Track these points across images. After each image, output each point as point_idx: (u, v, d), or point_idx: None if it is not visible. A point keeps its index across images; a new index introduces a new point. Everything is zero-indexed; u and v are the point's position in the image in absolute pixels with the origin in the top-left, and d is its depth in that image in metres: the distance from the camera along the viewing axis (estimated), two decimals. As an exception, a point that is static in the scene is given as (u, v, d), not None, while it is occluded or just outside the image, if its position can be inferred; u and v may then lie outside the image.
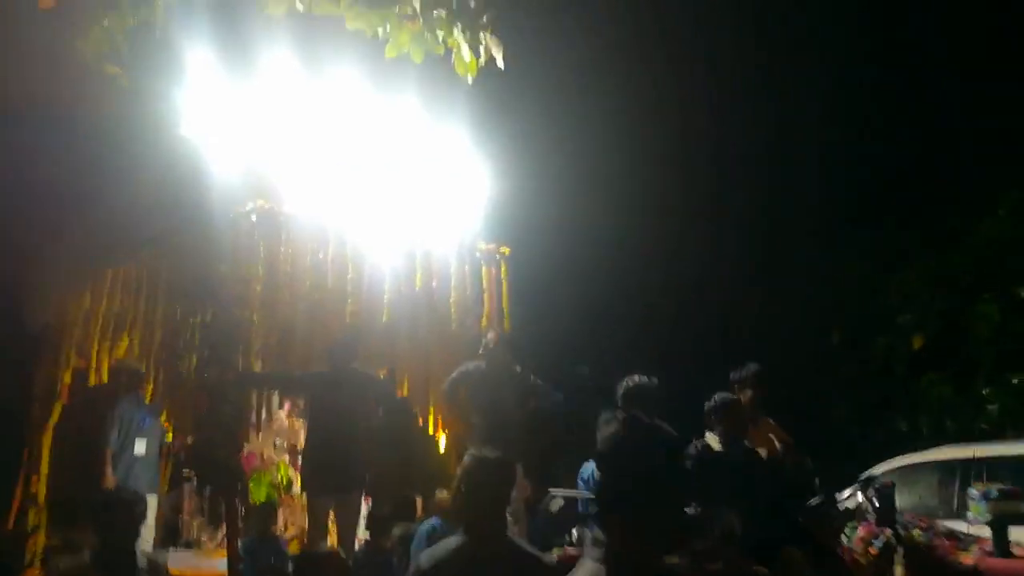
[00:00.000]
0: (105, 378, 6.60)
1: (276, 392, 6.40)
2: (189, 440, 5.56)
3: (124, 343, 6.52)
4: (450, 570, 2.87)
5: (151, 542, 6.69)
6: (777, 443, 4.94)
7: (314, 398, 5.53)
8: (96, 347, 6.65)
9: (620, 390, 4.74)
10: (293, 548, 6.28)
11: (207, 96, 5.64)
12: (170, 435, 6.48)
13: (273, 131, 5.88)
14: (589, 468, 5.13)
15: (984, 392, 8.94)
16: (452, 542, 2.99)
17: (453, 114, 6.33)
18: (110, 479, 6.86)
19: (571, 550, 5.99)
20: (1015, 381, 8.70)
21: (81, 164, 5.79)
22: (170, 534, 6.99)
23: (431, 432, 7.13)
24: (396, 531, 5.45)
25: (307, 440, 5.54)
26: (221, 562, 6.16)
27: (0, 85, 5.42)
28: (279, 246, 5.67)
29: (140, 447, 6.87)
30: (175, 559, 6.83)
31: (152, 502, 6.79)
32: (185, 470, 7.16)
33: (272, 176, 5.84)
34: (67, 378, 6.86)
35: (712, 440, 4.68)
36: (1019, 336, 8.70)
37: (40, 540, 7.16)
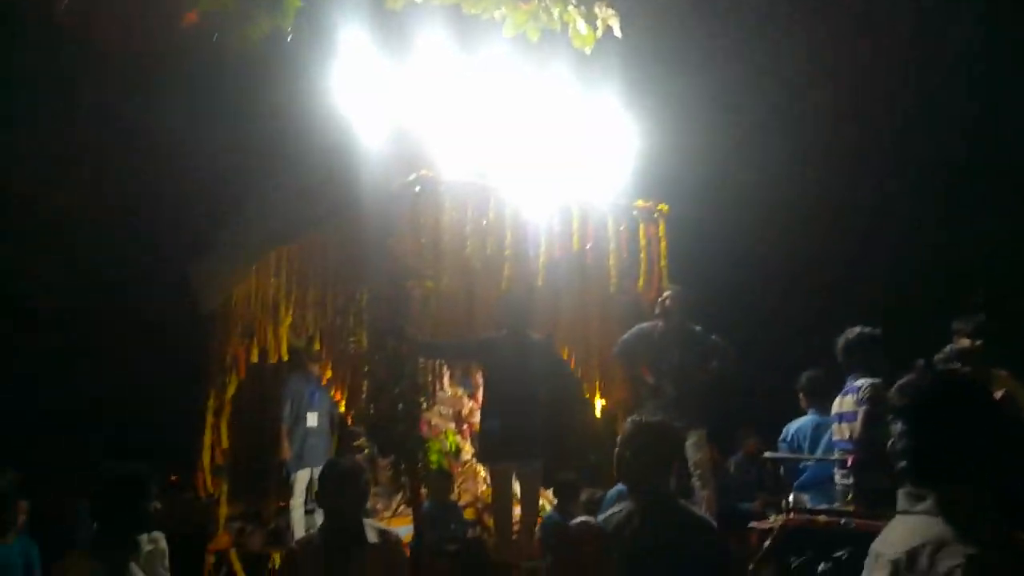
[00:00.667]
0: (284, 355, 6.87)
1: (447, 361, 6.45)
2: (371, 411, 5.66)
3: (287, 320, 6.75)
4: (621, 534, 2.89)
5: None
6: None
7: (492, 365, 5.51)
8: (268, 326, 6.94)
9: (841, 343, 4.40)
10: (468, 515, 6.37)
11: (361, 75, 5.70)
12: (342, 407, 6.67)
13: (424, 106, 5.87)
14: (793, 428, 4.90)
15: None
16: (622, 508, 3.05)
17: (605, 76, 6.17)
18: (287, 451, 7.18)
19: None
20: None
21: (252, 151, 5.99)
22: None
23: (588, 396, 7.10)
24: (583, 496, 5.41)
25: (486, 407, 5.55)
26: (401, 529, 6.35)
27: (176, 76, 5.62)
28: (442, 215, 5.67)
29: (312, 420, 7.13)
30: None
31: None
32: (358, 441, 7.39)
33: (427, 148, 5.84)
34: (242, 355, 7.20)
35: None
36: None
37: (224, 508, 7.65)
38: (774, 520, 4.25)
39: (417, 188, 5.55)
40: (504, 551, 5.22)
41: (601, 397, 7.13)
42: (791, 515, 3.94)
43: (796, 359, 6.25)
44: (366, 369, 5.76)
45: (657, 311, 5.78)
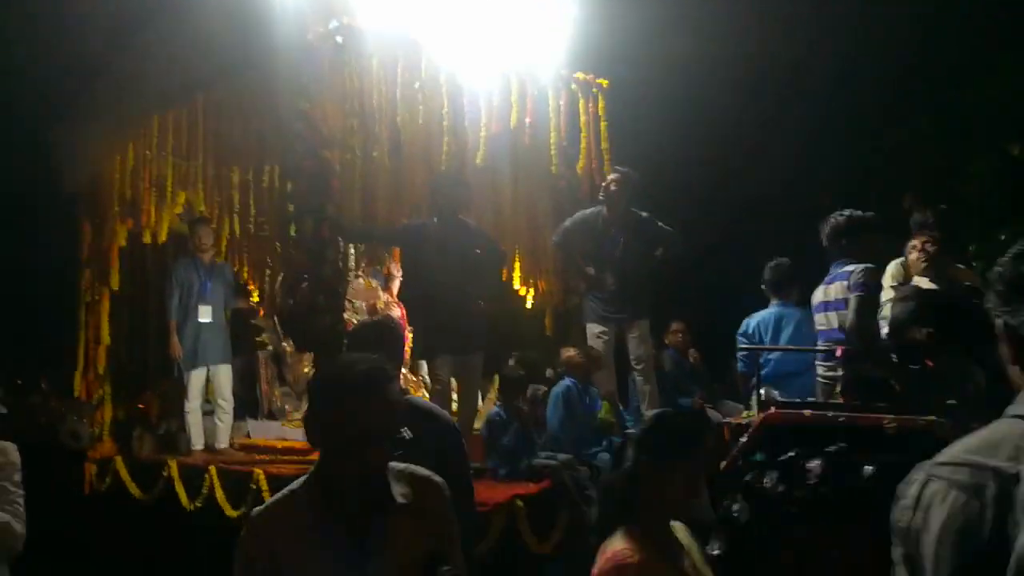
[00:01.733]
0: (162, 237, 5.97)
1: (372, 247, 5.73)
2: (288, 302, 4.91)
3: (181, 199, 5.83)
4: None
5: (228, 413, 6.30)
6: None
7: (425, 252, 4.91)
8: (151, 207, 5.99)
9: (829, 227, 4.06)
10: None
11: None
12: (256, 298, 5.90)
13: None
14: (754, 321, 4.61)
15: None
16: None
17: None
18: (177, 348, 6.36)
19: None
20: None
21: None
22: (248, 405, 6.56)
23: (521, 288, 6.62)
24: (529, 392, 4.99)
25: (418, 299, 4.96)
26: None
27: None
28: (368, 74, 4.87)
29: (205, 314, 6.30)
30: (260, 429, 6.47)
31: (226, 372, 6.34)
32: (261, 336, 6.65)
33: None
34: (115, 239, 6.23)
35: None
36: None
37: (107, 412, 6.81)
38: (747, 415, 3.96)
39: (339, 39, 4.69)
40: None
41: (529, 288, 6.70)
42: (772, 410, 3.64)
43: (743, 244, 5.93)
44: (277, 255, 4.99)
45: (601, 196, 5.28)
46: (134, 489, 6.28)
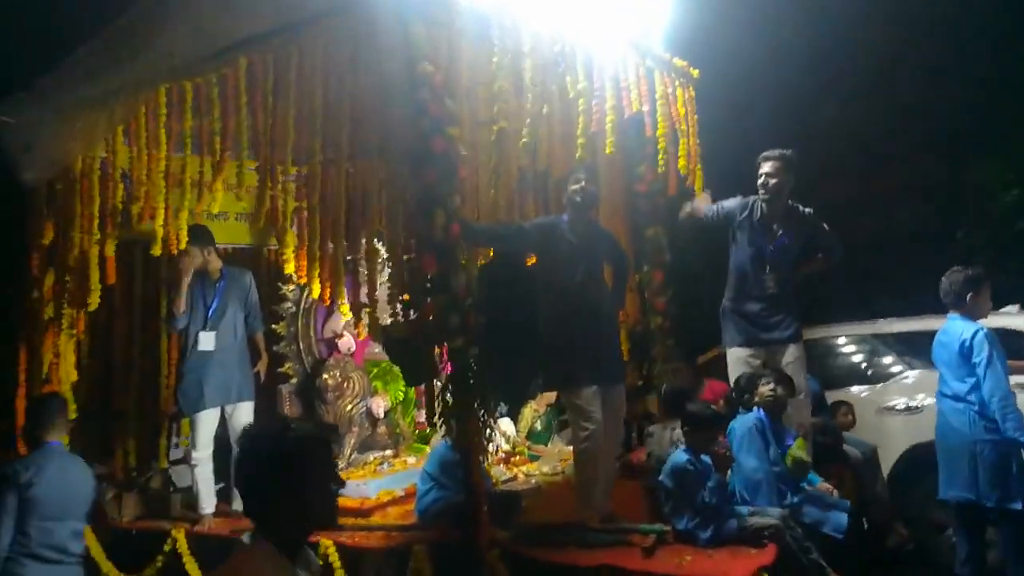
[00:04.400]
0: (182, 244, 4.68)
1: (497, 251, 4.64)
2: (402, 320, 3.72)
3: (217, 189, 4.54)
4: None
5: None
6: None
7: (557, 258, 3.97)
8: (158, 202, 4.66)
9: None
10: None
11: None
12: (346, 315, 4.69)
13: None
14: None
15: None
16: None
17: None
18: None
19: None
20: None
21: None
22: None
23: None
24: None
25: (550, 316, 3.98)
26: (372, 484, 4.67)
27: None
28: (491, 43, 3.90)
29: (206, 342, 5.01)
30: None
31: (247, 412, 5.06)
32: (287, 365, 5.37)
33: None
34: (109, 250, 4.82)
35: None
36: None
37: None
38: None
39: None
40: (592, 505, 3.81)
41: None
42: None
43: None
44: (396, 262, 3.87)
45: (760, 182, 4.57)
46: (111, 571, 4.86)
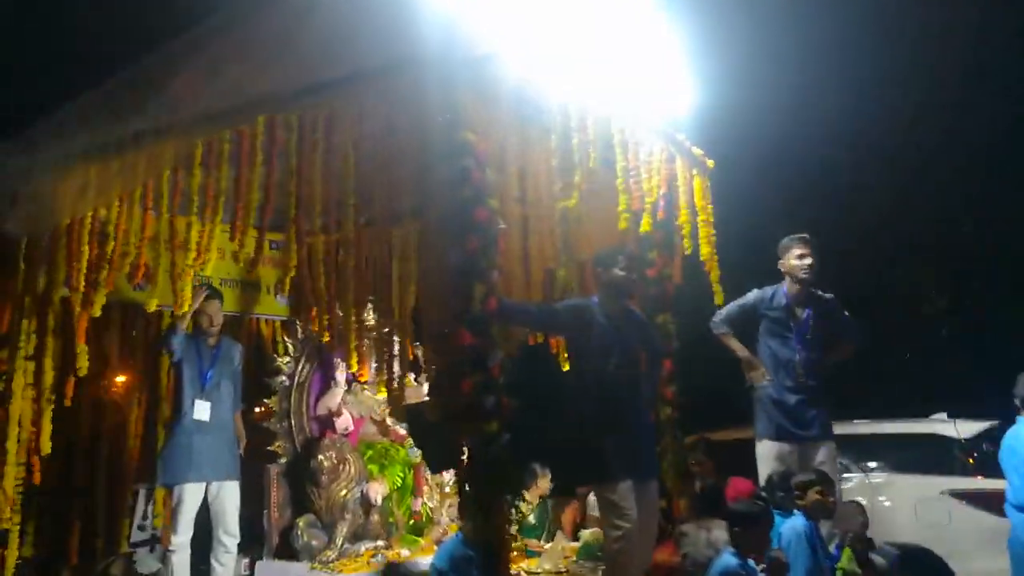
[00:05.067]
0: (185, 306, 4.36)
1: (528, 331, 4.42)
2: (437, 399, 3.45)
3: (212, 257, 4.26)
4: None
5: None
6: None
7: (590, 342, 3.77)
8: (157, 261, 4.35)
9: None
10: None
11: None
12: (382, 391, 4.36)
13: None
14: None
15: None
16: None
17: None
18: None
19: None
20: None
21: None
22: (250, 538, 4.81)
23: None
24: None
25: (584, 404, 3.74)
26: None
27: None
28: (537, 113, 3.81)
29: (202, 411, 4.65)
30: (270, 572, 4.73)
31: (232, 493, 4.66)
32: (277, 443, 4.97)
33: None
34: (96, 310, 4.45)
35: None
36: None
37: (11, 553, 4.73)
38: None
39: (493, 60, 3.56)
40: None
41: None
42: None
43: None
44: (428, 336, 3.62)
45: (784, 268, 4.50)
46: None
